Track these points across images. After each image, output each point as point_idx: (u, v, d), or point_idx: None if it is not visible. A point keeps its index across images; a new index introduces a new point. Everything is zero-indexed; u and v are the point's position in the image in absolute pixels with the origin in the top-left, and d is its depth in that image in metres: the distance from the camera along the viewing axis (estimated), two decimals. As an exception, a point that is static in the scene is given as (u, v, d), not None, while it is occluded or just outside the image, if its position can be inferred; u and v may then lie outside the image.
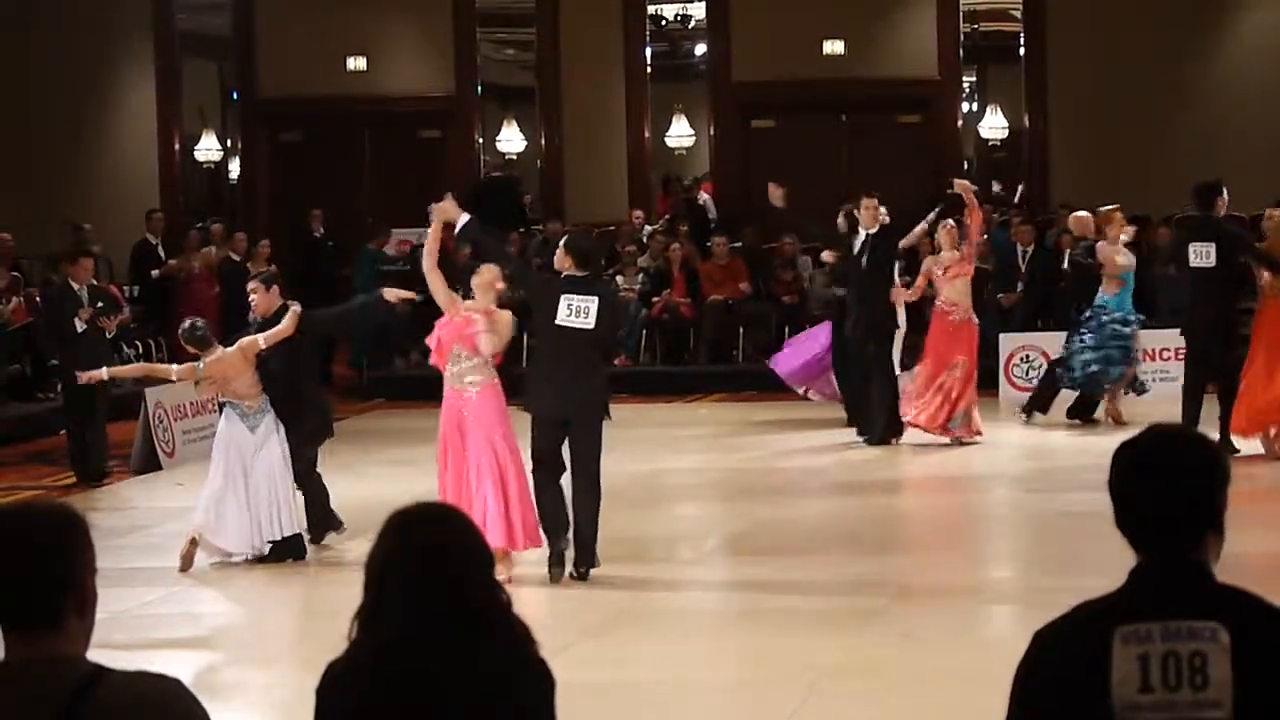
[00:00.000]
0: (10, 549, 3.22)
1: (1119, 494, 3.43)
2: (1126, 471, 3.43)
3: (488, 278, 11.41)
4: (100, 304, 16.39)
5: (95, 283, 17.32)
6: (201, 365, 12.18)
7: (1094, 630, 3.33)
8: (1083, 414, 18.19)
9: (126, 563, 11.70)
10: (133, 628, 10.12)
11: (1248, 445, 15.17)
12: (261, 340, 12.19)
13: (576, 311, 11.09)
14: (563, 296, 11.13)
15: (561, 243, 11.64)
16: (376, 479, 14.96)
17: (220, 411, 12.62)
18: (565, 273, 11.32)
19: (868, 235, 17.09)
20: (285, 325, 12.23)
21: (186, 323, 12.58)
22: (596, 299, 11.19)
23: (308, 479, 12.48)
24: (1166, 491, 3.38)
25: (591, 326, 11.10)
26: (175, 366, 12.88)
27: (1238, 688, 3.26)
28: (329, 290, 20.56)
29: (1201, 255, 15.78)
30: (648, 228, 25.36)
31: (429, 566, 3.40)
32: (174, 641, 10.25)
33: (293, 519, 12.14)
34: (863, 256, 17.06)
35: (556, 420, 11.13)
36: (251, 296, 12.74)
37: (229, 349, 12.18)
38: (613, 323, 11.80)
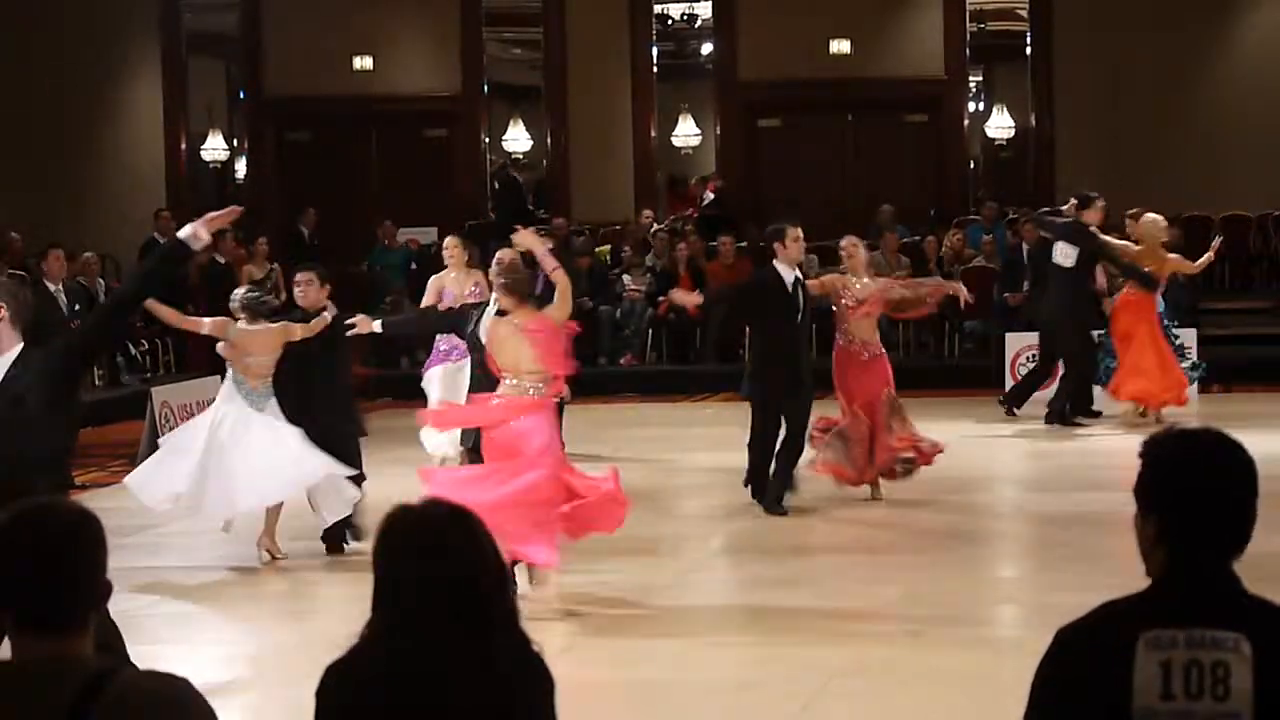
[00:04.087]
0: (35, 550, 3.25)
1: (1165, 498, 3.37)
2: (1177, 476, 3.37)
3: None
4: (78, 305, 16.15)
5: (82, 281, 17.13)
6: (237, 327, 12.16)
7: (1118, 633, 3.31)
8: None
9: (131, 562, 11.70)
10: (137, 627, 10.12)
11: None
12: (299, 330, 12.20)
13: None
14: None
15: (501, 285, 10.83)
16: (384, 479, 14.95)
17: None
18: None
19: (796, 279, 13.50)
20: (315, 323, 12.23)
21: (246, 289, 12.56)
22: None
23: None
24: (1220, 501, 3.35)
25: None
26: (208, 320, 12.48)
27: (1258, 700, 3.25)
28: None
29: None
30: (655, 226, 25.36)
31: (429, 566, 3.40)
32: (178, 641, 10.26)
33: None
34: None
35: None
36: (298, 289, 12.63)
37: (271, 325, 12.19)
38: None
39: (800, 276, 13.51)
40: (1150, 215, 17.99)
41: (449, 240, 15.71)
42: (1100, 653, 3.31)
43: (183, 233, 7.22)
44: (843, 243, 14.19)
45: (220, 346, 12.20)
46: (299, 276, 12.68)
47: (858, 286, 13.77)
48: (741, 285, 13.83)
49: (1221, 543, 3.36)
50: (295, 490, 12.02)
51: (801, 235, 13.45)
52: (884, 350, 14.06)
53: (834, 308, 13.86)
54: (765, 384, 13.53)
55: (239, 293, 12.46)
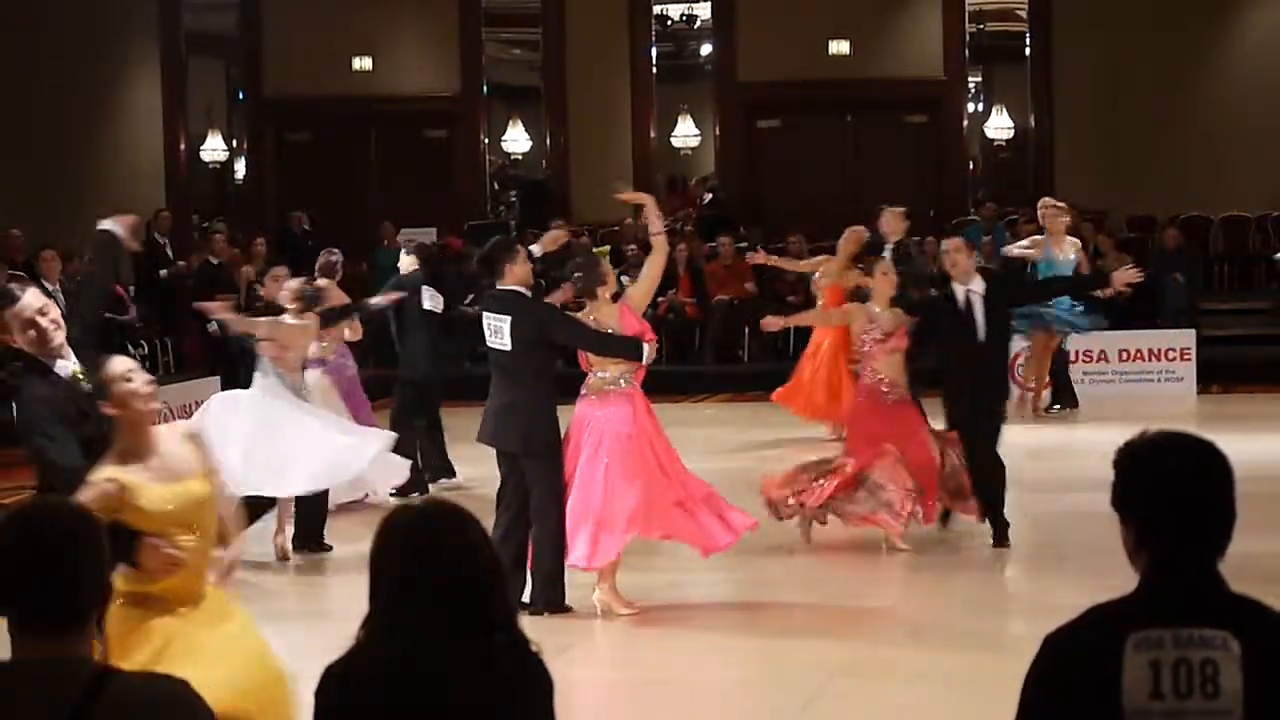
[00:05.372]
0: (35, 550, 3.25)
1: (1150, 502, 3.38)
2: (1157, 481, 3.39)
3: None
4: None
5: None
6: (287, 323, 12.24)
7: (1106, 635, 3.33)
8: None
9: (132, 562, 11.71)
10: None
11: None
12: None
13: (494, 331, 10.12)
14: (484, 314, 10.27)
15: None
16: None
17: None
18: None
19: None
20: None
21: (302, 281, 12.78)
22: (509, 317, 10.07)
23: None
24: (1201, 501, 3.37)
25: (508, 348, 10.07)
26: (263, 320, 12.39)
27: (1248, 698, 3.27)
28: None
29: None
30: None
31: (426, 567, 3.40)
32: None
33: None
34: None
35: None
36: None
37: (306, 320, 12.36)
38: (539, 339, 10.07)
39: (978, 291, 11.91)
40: (851, 228, 17.00)
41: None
42: (1088, 654, 3.33)
43: (109, 224, 7.28)
44: (947, 245, 12.35)
45: (263, 345, 12.20)
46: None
47: (885, 316, 12.13)
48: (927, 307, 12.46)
49: (1205, 543, 3.38)
50: (342, 477, 12.19)
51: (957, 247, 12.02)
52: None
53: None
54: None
55: (294, 284, 12.57)
